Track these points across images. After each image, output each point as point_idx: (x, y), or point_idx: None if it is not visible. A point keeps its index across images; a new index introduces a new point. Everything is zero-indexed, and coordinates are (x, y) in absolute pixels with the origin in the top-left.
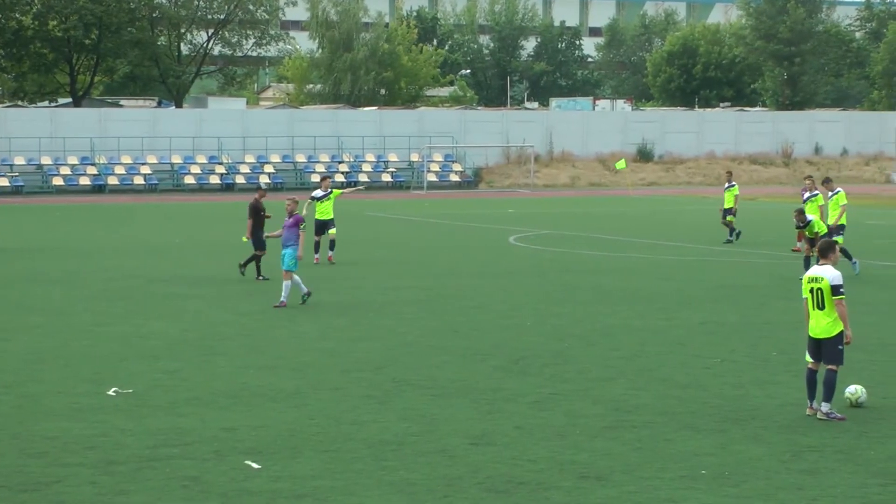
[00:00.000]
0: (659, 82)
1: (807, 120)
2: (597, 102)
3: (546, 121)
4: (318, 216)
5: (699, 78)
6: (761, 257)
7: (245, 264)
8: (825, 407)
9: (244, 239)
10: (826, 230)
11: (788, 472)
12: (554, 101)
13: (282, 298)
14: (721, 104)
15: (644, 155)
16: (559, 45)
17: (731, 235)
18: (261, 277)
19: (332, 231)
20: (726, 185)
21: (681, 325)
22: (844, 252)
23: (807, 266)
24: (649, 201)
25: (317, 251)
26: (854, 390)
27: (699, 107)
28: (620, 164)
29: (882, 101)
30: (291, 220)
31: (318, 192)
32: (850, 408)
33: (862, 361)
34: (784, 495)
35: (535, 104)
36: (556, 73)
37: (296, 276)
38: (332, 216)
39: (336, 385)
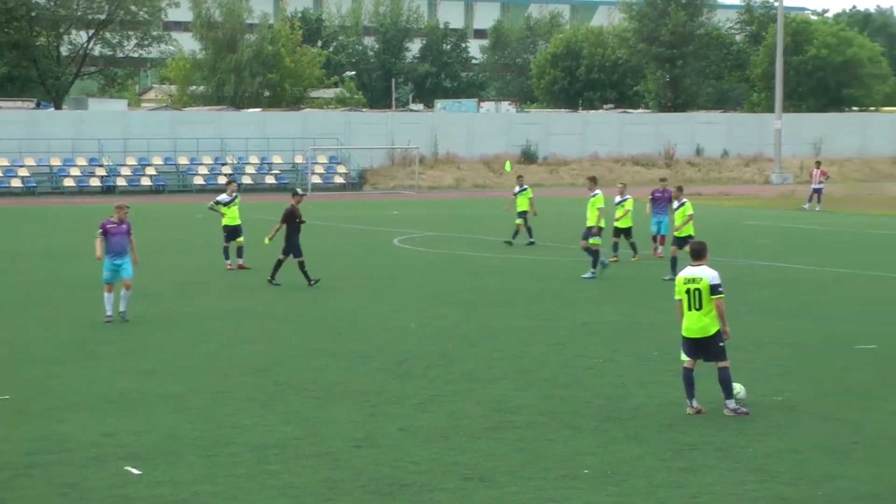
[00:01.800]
0: (543, 84)
1: (688, 122)
2: (481, 104)
3: (431, 122)
4: (225, 222)
5: (583, 80)
6: (643, 258)
7: (274, 275)
8: (731, 404)
9: (266, 241)
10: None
11: (669, 471)
12: (439, 103)
13: (122, 308)
14: (604, 106)
15: (528, 156)
16: (444, 47)
17: (531, 236)
18: (313, 282)
19: (241, 239)
20: (517, 189)
21: (563, 325)
22: (632, 245)
23: (674, 267)
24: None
25: (227, 257)
26: (734, 388)
27: (583, 108)
28: (507, 167)
29: (762, 103)
30: (125, 227)
31: (224, 197)
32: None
33: (740, 360)
34: (665, 493)
35: (420, 106)
36: (441, 75)
37: (125, 291)
38: (239, 221)
39: (218, 389)
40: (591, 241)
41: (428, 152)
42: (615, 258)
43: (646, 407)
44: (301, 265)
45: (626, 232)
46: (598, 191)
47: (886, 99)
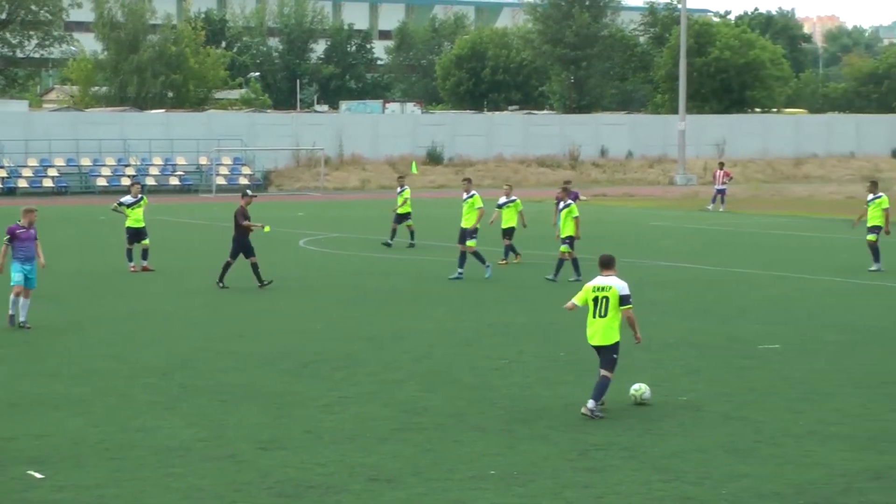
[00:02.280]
0: (448, 85)
1: (593, 123)
2: (387, 105)
3: (336, 124)
4: (129, 224)
5: (488, 81)
6: (548, 259)
7: (222, 277)
8: (591, 404)
9: (266, 228)
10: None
11: (575, 471)
12: (344, 104)
13: (22, 318)
14: (509, 107)
15: (434, 158)
16: (349, 48)
17: (412, 238)
18: (265, 283)
19: (146, 241)
20: (399, 189)
21: (470, 326)
22: (512, 248)
23: (576, 268)
24: (438, 204)
25: (130, 259)
26: (638, 387)
27: (488, 110)
28: (413, 168)
29: (665, 104)
30: (33, 231)
31: (128, 199)
32: (635, 405)
33: (644, 361)
34: (571, 493)
35: (325, 107)
36: (346, 76)
37: (24, 300)
38: (143, 224)
39: (122, 391)
40: (468, 242)
41: (333, 153)
42: (505, 262)
43: (552, 408)
44: (254, 266)
45: (509, 233)
46: (473, 192)
47: (788, 100)
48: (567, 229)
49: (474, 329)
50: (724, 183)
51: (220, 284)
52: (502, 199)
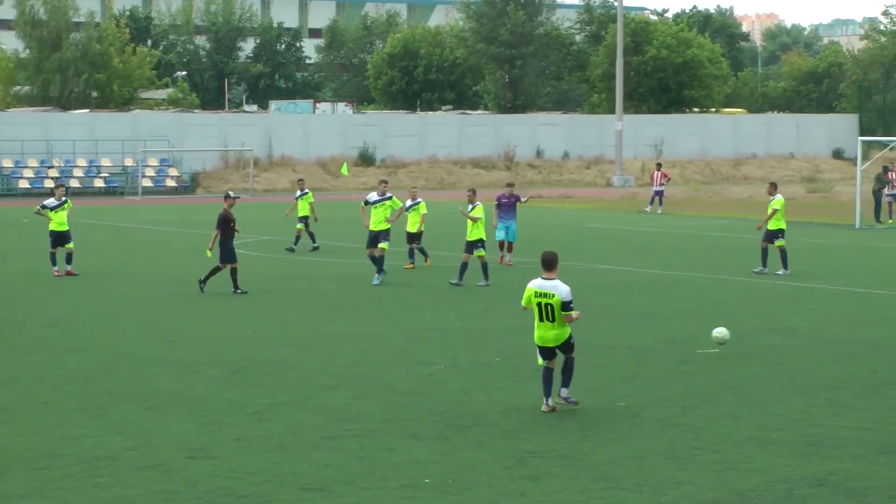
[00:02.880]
0: (380, 85)
1: (528, 123)
2: (317, 105)
3: (265, 124)
4: (52, 227)
5: (421, 80)
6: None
7: (206, 279)
8: (563, 392)
9: (208, 253)
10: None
11: (511, 479)
12: (273, 104)
13: None
14: (443, 107)
15: (366, 159)
16: (278, 47)
17: (311, 242)
18: (239, 290)
19: (70, 245)
20: (299, 192)
21: (404, 331)
22: (422, 250)
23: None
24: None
25: (54, 264)
26: (721, 331)
27: (421, 110)
28: (344, 169)
29: (602, 104)
30: None
31: (52, 201)
32: (718, 346)
33: (582, 365)
34: (507, 502)
35: (254, 107)
36: (276, 76)
37: None
38: (67, 227)
39: (46, 399)
40: (380, 245)
41: (262, 154)
42: (412, 265)
43: (488, 414)
44: (233, 272)
45: (416, 237)
46: (389, 194)
47: (727, 100)
48: (476, 233)
49: (409, 334)
50: (661, 184)
51: (238, 290)
52: (408, 202)
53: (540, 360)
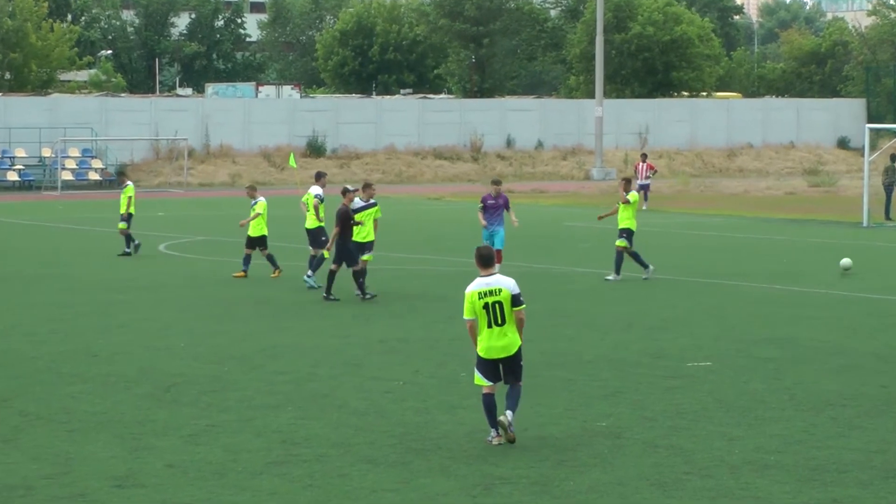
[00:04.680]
0: (331, 66)
1: (497, 108)
2: (260, 88)
3: (201, 110)
4: None
5: (376, 61)
6: (450, 265)
7: (329, 289)
8: (509, 415)
9: (325, 254)
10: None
11: None
12: (210, 87)
13: None
14: (401, 91)
15: (315, 149)
16: (216, 23)
17: (128, 246)
18: (368, 296)
19: None
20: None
21: (357, 343)
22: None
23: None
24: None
25: None
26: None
27: (377, 94)
28: (291, 161)
29: (580, 87)
30: None
31: None
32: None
33: (561, 381)
34: None
35: (189, 91)
36: (213, 55)
37: None
38: None
39: None
40: (364, 257)
41: (198, 144)
42: (243, 273)
43: (453, 435)
44: (356, 275)
45: (260, 241)
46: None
47: (720, 83)
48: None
49: (363, 346)
50: (647, 177)
51: (368, 296)
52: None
53: (479, 380)
